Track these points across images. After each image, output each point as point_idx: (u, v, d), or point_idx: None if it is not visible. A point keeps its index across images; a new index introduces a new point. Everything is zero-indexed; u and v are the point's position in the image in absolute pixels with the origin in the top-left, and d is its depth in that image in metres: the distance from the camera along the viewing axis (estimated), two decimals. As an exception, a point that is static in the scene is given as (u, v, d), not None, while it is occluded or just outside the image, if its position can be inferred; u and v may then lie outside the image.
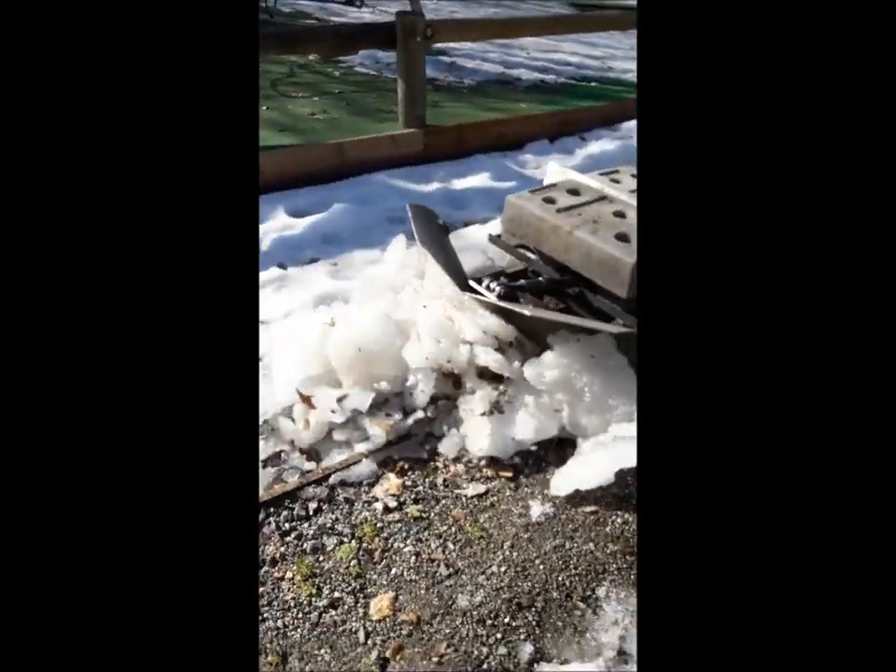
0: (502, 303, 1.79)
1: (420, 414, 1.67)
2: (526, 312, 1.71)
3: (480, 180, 3.08)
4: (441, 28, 3.25)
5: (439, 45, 4.77)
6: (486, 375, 1.76)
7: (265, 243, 2.44)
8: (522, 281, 1.97)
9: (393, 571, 1.32)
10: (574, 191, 2.07)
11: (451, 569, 1.33)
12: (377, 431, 1.61)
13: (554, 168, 2.28)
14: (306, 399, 1.63)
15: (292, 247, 2.41)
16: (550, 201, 2.00)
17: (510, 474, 1.58)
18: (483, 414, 1.64)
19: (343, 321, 1.82)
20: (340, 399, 1.63)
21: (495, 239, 2.15)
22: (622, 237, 1.83)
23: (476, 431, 1.62)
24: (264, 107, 3.75)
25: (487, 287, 1.91)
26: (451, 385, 1.78)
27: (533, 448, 1.62)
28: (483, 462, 1.60)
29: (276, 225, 2.58)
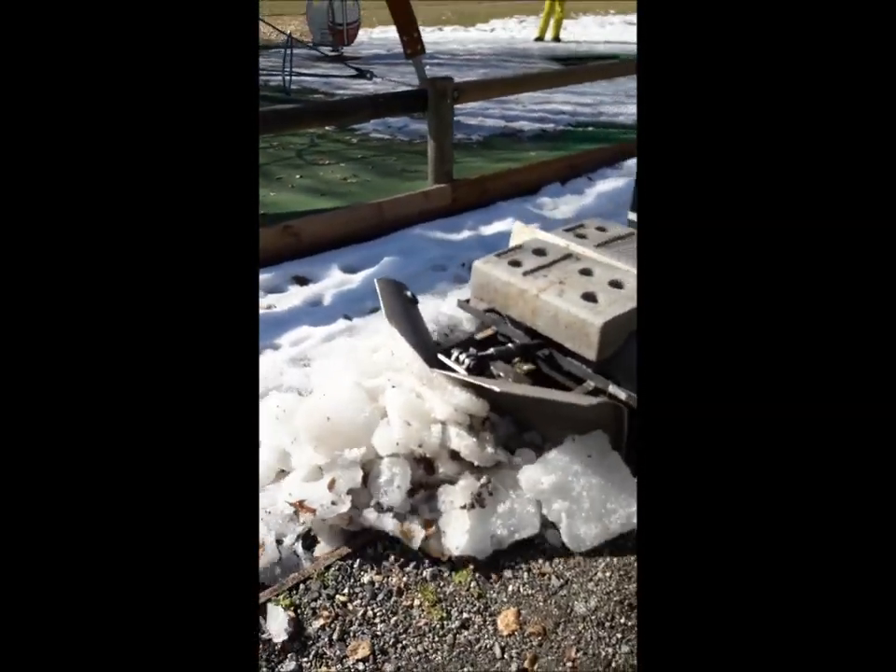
0: (471, 379, 1.70)
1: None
2: (496, 388, 1.61)
3: (505, 225, 3.29)
4: (466, 89, 3.50)
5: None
6: (458, 457, 1.64)
7: (328, 298, 2.64)
8: (491, 350, 1.88)
9: (510, 588, 1.41)
10: (540, 251, 2.02)
11: (561, 580, 1.43)
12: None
13: (520, 228, 2.25)
14: (300, 505, 1.50)
15: (353, 300, 2.59)
16: (516, 263, 1.95)
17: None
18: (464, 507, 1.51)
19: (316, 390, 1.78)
20: (331, 486, 1.51)
21: (464, 304, 2.10)
22: (589, 296, 1.77)
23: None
24: (297, 176, 4.10)
25: (456, 360, 1.83)
26: (423, 470, 1.66)
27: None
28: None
29: (334, 281, 2.78)
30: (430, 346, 1.94)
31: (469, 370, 1.79)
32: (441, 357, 1.86)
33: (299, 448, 1.61)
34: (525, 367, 1.94)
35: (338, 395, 1.67)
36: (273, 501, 1.53)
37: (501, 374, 1.91)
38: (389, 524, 1.49)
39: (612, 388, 1.73)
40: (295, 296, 2.63)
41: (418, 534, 1.49)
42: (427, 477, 1.65)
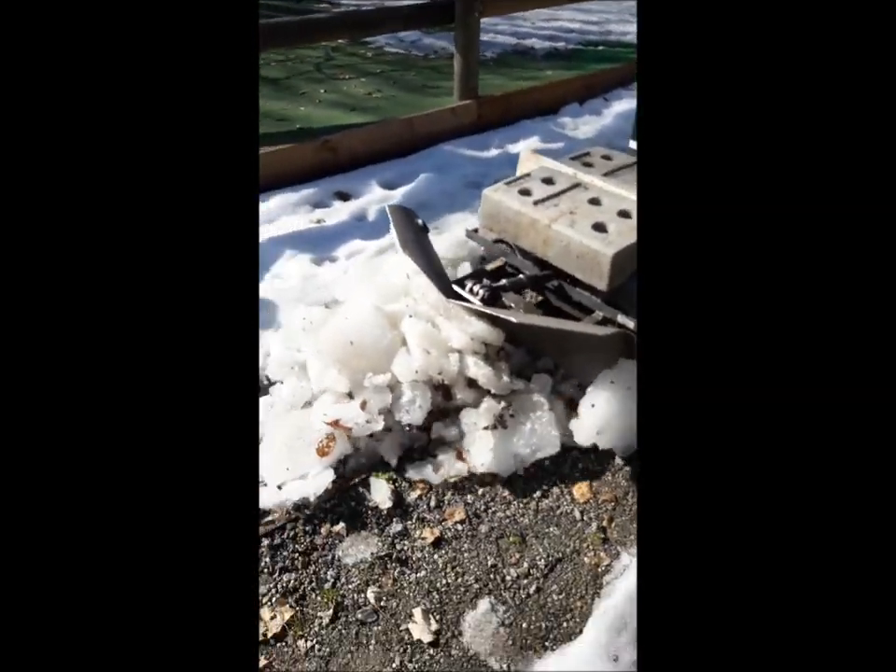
0: (487, 309, 1.74)
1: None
2: (512, 319, 1.65)
3: (532, 142, 3.39)
4: (491, 2, 3.48)
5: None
6: (475, 385, 1.73)
7: (371, 213, 2.71)
8: (504, 281, 1.91)
9: (580, 465, 1.64)
10: (548, 180, 2.02)
11: (625, 460, 1.64)
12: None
13: (526, 155, 2.23)
14: (336, 424, 1.60)
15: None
16: (526, 192, 1.95)
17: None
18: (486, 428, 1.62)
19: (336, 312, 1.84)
20: (363, 406, 1.61)
21: (472, 234, 2.11)
22: (599, 227, 1.79)
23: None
24: (322, 90, 4.10)
25: (470, 291, 1.87)
26: (441, 396, 1.75)
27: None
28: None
29: (376, 196, 2.85)
30: (444, 276, 1.96)
31: (483, 300, 1.83)
32: (455, 287, 1.89)
33: (322, 367, 1.70)
34: (534, 298, 1.97)
35: (360, 318, 1.74)
36: (308, 423, 1.62)
37: (512, 305, 1.95)
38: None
39: (621, 318, 1.78)
40: (341, 211, 2.72)
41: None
42: (445, 403, 1.75)
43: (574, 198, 1.94)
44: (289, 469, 1.56)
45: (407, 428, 1.69)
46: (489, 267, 2.12)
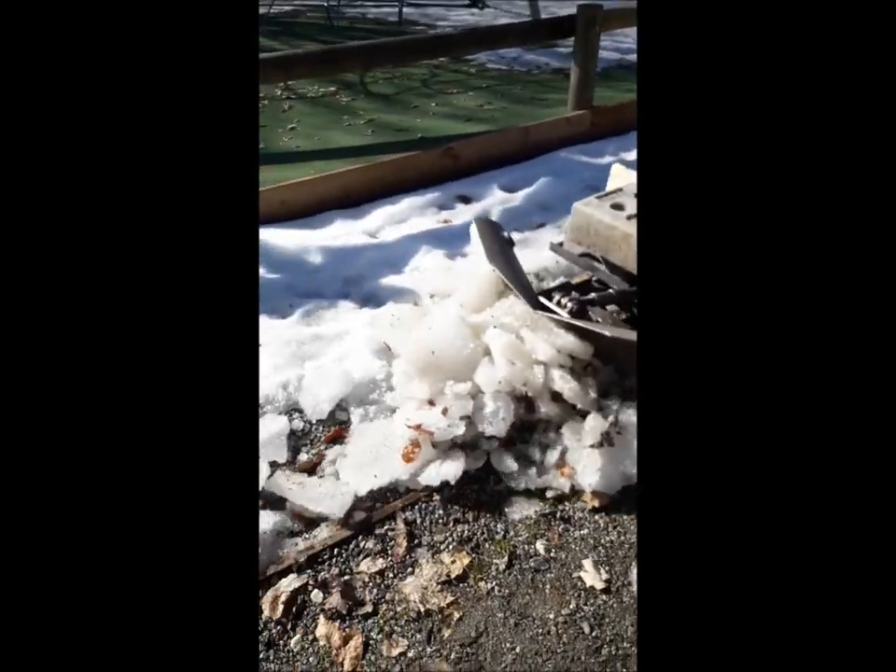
0: (578, 322, 1.71)
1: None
2: (606, 332, 1.61)
3: None
4: (611, 17, 3.69)
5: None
6: (559, 399, 1.69)
7: (494, 214, 2.84)
8: (592, 294, 1.88)
9: None
10: None
11: None
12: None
13: (619, 171, 2.21)
14: (418, 428, 1.59)
15: (519, 216, 2.81)
16: (618, 207, 1.92)
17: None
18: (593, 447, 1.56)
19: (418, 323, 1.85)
20: (444, 412, 1.60)
21: (556, 248, 2.07)
22: None
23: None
24: (433, 104, 4.28)
25: (558, 303, 1.84)
26: (524, 408, 1.71)
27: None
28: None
29: (497, 199, 3.00)
30: (530, 288, 1.94)
31: (570, 313, 1.80)
32: (542, 299, 1.87)
33: (405, 376, 1.73)
34: (618, 314, 1.91)
35: (443, 328, 1.74)
36: (392, 430, 1.63)
37: (599, 320, 1.90)
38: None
39: None
40: (465, 212, 2.86)
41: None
42: (527, 415, 1.71)
43: None
44: (377, 475, 1.57)
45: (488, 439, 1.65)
46: (575, 280, 2.10)
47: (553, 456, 1.63)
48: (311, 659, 1.27)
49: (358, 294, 2.35)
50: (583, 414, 1.67)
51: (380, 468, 1.58)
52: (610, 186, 2.18)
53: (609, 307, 1.91)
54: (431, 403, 1.67)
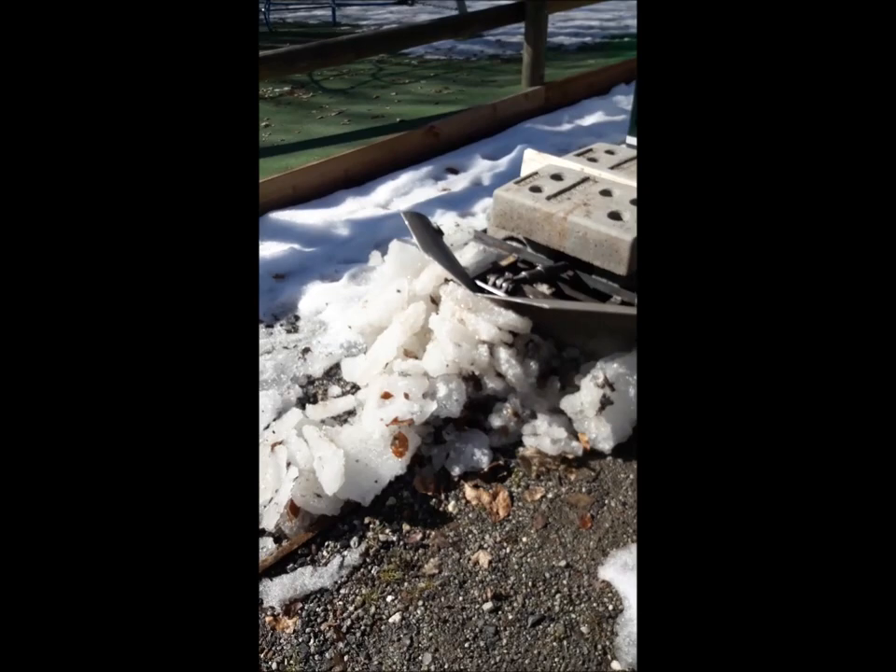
0: (517, 299, 1.78)
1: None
2: (545, 305, 1.69)
3: (598, 117, 3.97)
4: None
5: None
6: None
7: (486, 180, 3.21)
8: (524, 273, 1.95)
9: None
10: (557, 177, 2.06)
11: None
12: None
13: (532, 155, 2.26)
14: (397, 421, 1.63)
15: (508, 177, 2.85)
16: (537, 189, 1.99)
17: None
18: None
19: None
20: (407, 397, 1.66)
21: (481, 235, 2.15)
22: (614, 216, 1.83)
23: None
24: (393, 93, 4.57)
25: (493, 284, 1.92)
26: (472, 387, 1.80)
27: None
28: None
29: (484, 167, 3.38)
30: (466, 273, 2.00)
31: (506, 293, 1.88)
32: (478, 282, 1.95)
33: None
34: (548, 289, 1.98)
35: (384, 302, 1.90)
36: (371, 431, 1.63)
37: (531, 297, 1.96)
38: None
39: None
40: (459, 181, 3.23)
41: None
42: (476, 393, 1.81)
43: (585, 191, 1.98)
44: (377, 481, 1.57)
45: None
46: (503, 263, 2.14)
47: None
48: (470, 515, 1.55)
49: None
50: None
51: (376, 473, 1.59)
52: (525, 170, 2.26)
53: (539, 284, 2.00)
54: (387, 396, 1.73)
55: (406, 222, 2.07)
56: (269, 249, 2.63)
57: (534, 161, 2.24)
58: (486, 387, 1.81)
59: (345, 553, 1.49)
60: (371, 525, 1.55)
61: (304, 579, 1.43)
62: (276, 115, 4.22)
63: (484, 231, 2.15)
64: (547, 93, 4.12)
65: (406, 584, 1.42)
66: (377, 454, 1.61)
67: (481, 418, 1.80)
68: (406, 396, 1.69)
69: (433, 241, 2.07)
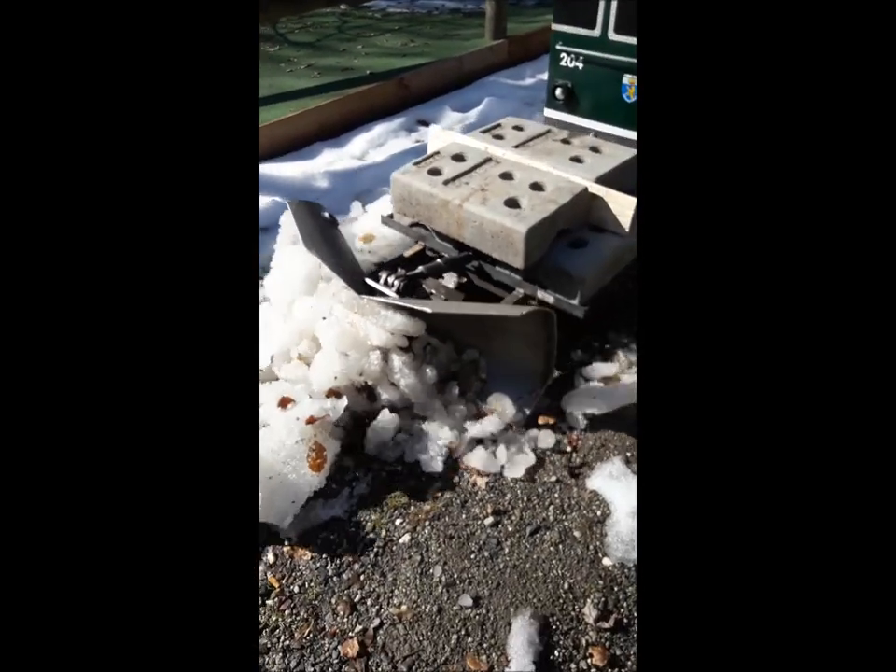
0: (402, 301, 1.61)
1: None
2: (427, 309, 1.52)
3: None
4: None
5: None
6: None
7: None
8: (420, 268, 1.75)
9: None
10: (459, 157, 1.86)
11: None
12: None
13: (437, 132, 2.07)
14: (312, 420, 1.47)
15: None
16: (435, 172, 1.80)
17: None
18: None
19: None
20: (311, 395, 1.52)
21: (388, 220, 1.95)
22: (511, 202, 1.64)
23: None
24: (359, 46, 4.50)
25: (385, 283, 1.72)
26: (365, 398, 1.61)
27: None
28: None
29: (454, 119, 3.37)
30: (357, 271, 1.82)
31: (399, 292, 1.69)
32: (369, 280, 1.76)
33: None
34: (454, 282, 1.82)
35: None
36: (289, 431, 1.46)
37: (433, 292, 1.78)
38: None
39: (540, 294, 1.65)
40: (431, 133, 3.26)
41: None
42: (369, 405, 1.61)
43: (485, 174, 1.77)
44: (294, 501, 1.40)
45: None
46: (407, 253, 1.96)
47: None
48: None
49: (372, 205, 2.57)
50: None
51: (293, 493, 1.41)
52: (431, 149, 2.04)
53: (443, 278, 1.79)
54: (286, 402, 1.55)
55: (291, 213, 1.86)
56: (252, 202, 2.62)
57: (438, 138, 2.05)
58: (381, 398, 1.62)
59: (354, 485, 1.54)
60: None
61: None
62: (245, 68, 4.14)
63: (391, 216, 1.95)
64: (510, 47, 4.16)
65: (412, 508, 1.50)
66: (293, 468, 1.42)
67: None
68: (310, 395, 1.54)
69: (321, 233, 1.86)
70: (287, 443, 1.45)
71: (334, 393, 1.56)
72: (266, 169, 2.81)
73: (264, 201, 2.60)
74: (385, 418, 1.58)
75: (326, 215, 1.97)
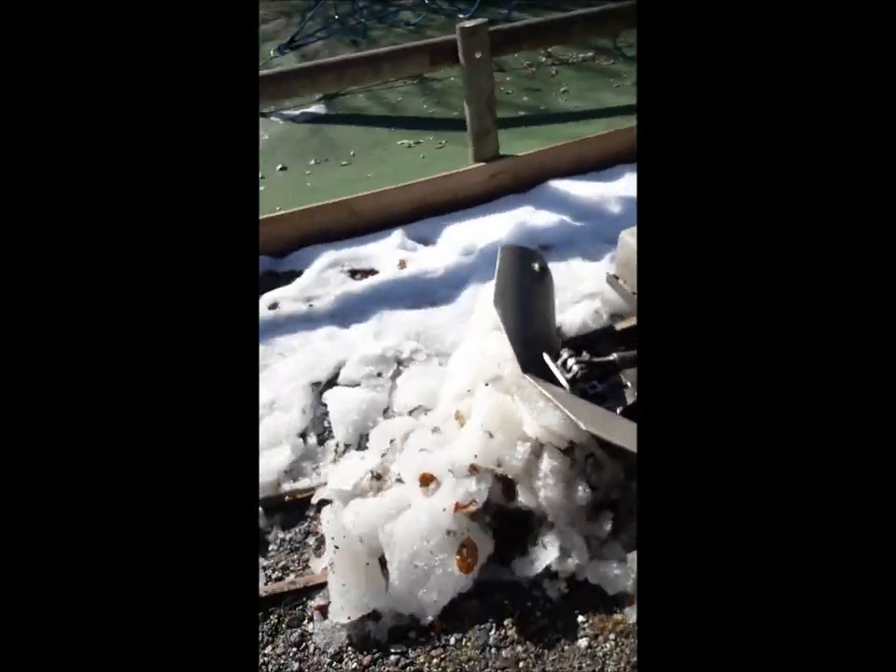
0: (555, 399, 1.25)
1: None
2: (581, 424, 1.16)
3: None
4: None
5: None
6: None
7: None
8: (613, 355, 1.36)
9: None
10: None
11: None
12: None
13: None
14: (458, 507, 1.27)
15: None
16: None
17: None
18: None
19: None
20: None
21: (612, 280, 1.59)
22: None
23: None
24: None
25: (563, 364, 1.37)
26: (501, 491, 1.32)
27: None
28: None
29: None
30: (543, 337, 1.48)
31: (573, 380, 1.34)
32: (546, 357, 1.40)
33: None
34: None
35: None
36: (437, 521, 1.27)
37: (629, 385, 1.39)
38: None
39: None
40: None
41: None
42: (506, 501, 1.32)
43: None
44: (437, 600, 1.24)
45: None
46: (619, 326, 1.58)
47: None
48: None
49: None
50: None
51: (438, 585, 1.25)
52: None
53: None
54: (427, 480, 1.34)
55: (498, 258, 1.55)
56: (542, 218, 2.52)
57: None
58: (517, 498, 1.31)
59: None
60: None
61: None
62: (575, 81, 4.04)
63: (616, 277, 1.59)
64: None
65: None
66: (440, 561, 1.24)
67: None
68: (450, 470, 1.30)
69: (517, 287, 1.54)
70: (435, 534, 1.25)
71: (476, 470, 1.31)
72: (563, 185, 2.72)
73: (553, 218, 2.53)
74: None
75: (535, 266, 1.64)
